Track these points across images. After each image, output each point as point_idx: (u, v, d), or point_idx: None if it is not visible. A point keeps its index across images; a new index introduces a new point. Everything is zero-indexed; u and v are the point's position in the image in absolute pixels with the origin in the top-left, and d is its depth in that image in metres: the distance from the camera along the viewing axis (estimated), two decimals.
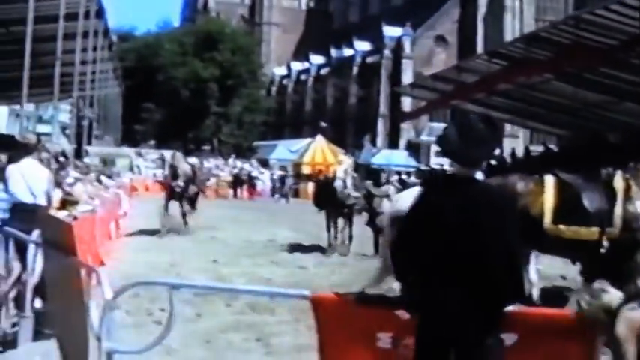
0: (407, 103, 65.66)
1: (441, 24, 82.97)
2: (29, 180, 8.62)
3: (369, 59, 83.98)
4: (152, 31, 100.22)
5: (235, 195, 48.50)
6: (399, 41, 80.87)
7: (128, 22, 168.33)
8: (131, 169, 53.86)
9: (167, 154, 66.46)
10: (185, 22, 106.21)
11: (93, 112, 50.80)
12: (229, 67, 79.79)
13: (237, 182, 50.46)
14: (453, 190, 4.23)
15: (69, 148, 40.15)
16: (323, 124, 60.85)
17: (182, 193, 19.95)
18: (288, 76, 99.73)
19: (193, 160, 62.83)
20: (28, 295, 7.70)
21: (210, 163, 62.03)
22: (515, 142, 54.14)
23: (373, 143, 70.17)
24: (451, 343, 4.12)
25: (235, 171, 54.17)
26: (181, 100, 77.79)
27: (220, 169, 56.71)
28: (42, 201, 8.66)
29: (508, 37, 68.06)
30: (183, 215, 20.15)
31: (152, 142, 76.26)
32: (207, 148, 76.25)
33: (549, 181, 9.15)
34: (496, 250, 4.12)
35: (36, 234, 7.94)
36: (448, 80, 34.26)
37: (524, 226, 4.78)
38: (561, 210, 8.87)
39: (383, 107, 79.95)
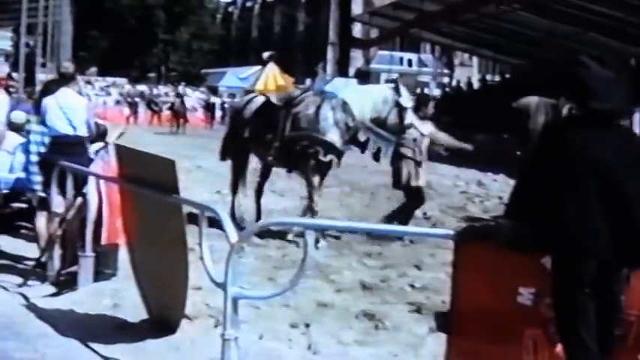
0: (357, 31, 65.38)
1: None
2: (68, 111, 8.30)
3: None
4: None
5: (211, 124, 48.06)
6: None
7: None
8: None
9: (120, 80, 65.50)
10: None
11: (34, 39, 49.50)
12: None
13: (210, 109, 50.74)
14: (601, 131, 4.29)
15: (15, 75, 39.33)
16: (266, 54, 59.71)
17: None
18: (233, 3, 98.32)
19: (143, 87, 62.41)
20: (88, 233, 7.50)
21: (159, 90, 61.50)
22: (469, 70, 54.49)
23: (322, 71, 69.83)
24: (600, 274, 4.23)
25: (204, 97, 54.50)
26: (128, 28, 76.35)
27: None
28: (82, 132, 8.37)
29: None
30: None
31: (93, 69, 74.87)
32: (153, 75, 75.31)
33: None
34: None
35: (97, 167, 7.89)
36: (409, 9, 34.19)
37: None
38: None
39: (332, 35, 79.56)
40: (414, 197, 10.86)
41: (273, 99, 11.23)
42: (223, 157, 11.88)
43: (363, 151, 11.07)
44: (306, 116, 10.64)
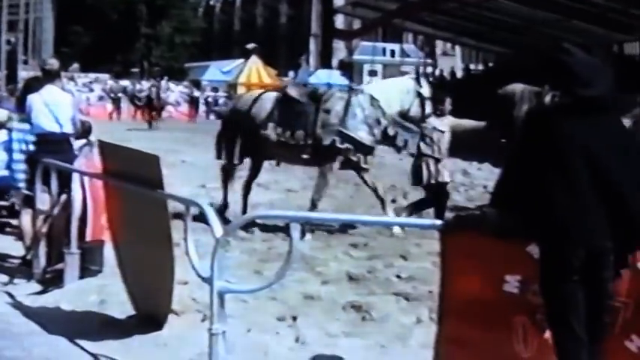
0: (339, 22, 65.33)
1: None
2: (54, 108, 8.27)
3: None
4: None
5: (195, 118, 47.94)
6: None
7: None
8: None
9: (102, 76, 65.22)
10: None
11: (15, 36, 49.22)
12: None
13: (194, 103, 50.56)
14: (588, 119, 4.27)
15: None
16: (249, 46, 59.56)
17: None
18: None
19: (125, 82, 62.07)
20: (74, 230, 7.47)
21: (142, 85, 61.16)
22: (452, 60, 54.48)
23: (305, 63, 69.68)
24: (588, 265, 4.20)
25: (187, 91, 54.32)
26: (110, 23, 76.06)
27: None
28: (68, 129, 8.36)
29: None
30: None
31: (76, 66, 74.45)
32: (136, 70, 74.99)
33: None
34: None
35: (80, 163, 7.85)
36: None
37: None
38: None
39: (314, 27, 79.50)
40: (439, 193, 10.97)
41: (294, 93, 11.22)
42: (219, 156, 11.86)
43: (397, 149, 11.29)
44: (336, 112, 10.76)
